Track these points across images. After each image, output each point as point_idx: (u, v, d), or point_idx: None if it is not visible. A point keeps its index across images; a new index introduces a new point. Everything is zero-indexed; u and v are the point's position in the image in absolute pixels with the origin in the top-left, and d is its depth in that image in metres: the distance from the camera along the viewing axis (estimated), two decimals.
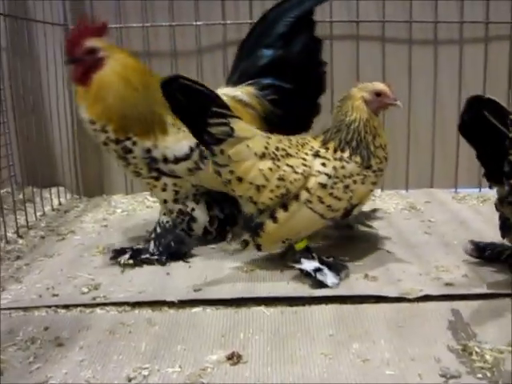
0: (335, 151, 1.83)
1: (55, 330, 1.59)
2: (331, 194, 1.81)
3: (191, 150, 2.01)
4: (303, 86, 2.17)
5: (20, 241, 2.31)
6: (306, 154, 1.83)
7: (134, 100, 1.94)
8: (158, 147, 1.96)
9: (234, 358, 1.43)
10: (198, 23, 2.81)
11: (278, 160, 1.78)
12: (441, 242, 2.17)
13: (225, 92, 2.14)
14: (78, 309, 1.72)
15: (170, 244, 2.07)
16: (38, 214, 2.65)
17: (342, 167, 1.82)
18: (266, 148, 1.78)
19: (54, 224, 2.57)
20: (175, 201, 2.07)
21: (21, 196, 2.68)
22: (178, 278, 1.91)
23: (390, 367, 1.38)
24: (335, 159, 1.82)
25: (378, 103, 1.84)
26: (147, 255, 2.03)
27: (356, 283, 1.83)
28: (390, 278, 1.85)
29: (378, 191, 2.87)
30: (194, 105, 1.69)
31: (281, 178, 1.78)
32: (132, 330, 1.59)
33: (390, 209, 2.64)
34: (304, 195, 1.80)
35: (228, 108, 1.75)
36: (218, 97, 1.72)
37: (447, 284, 1.78)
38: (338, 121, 1.86)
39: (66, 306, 1.73)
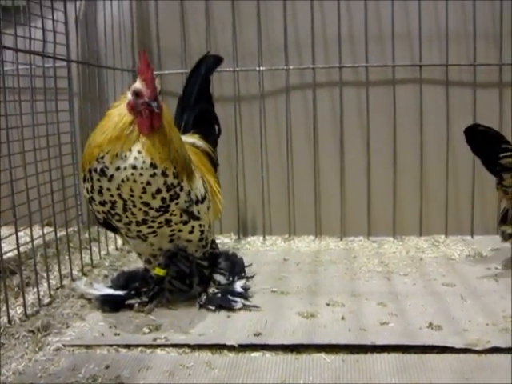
0: None
1: (116, 369, 1.61)
2: None
3: (204, 189, 2.04)
4: (218, 130, 2.47)
5: (84, 279, 2.36)
6: None
7: (182, 143, 1.96)
8: (192, 189, 1.94)
9: None
10: (262, 68, 2.87)
11: None
12: (509, 290, 2.09)
13: (183, 139, 2.18)
14: (139, 349, 1.73)
15: (235, 264, 2.26)
16: (103, 252, 2.72)
17: None
18: None
19: (117, 263, 2.62)
20: (200, 240, 2.07)
21: (86, 235, 2.76)
22: (238, 322, 1.90)
23: None
24: None
25: None
26: (234, 286, 2.13)
27: (419, 332, 1.77)
28: (456, 328, 1.79)
29: (441, 237, 2.82)
30: (487, 144, 2.20)
31: None
32: (191, 372, 1.59)
33: (455, 255, 2.57)
34: None
35: None
36: (503, 137, 2.18)
37: None
38: None
39: (128, 346, 1.75)
